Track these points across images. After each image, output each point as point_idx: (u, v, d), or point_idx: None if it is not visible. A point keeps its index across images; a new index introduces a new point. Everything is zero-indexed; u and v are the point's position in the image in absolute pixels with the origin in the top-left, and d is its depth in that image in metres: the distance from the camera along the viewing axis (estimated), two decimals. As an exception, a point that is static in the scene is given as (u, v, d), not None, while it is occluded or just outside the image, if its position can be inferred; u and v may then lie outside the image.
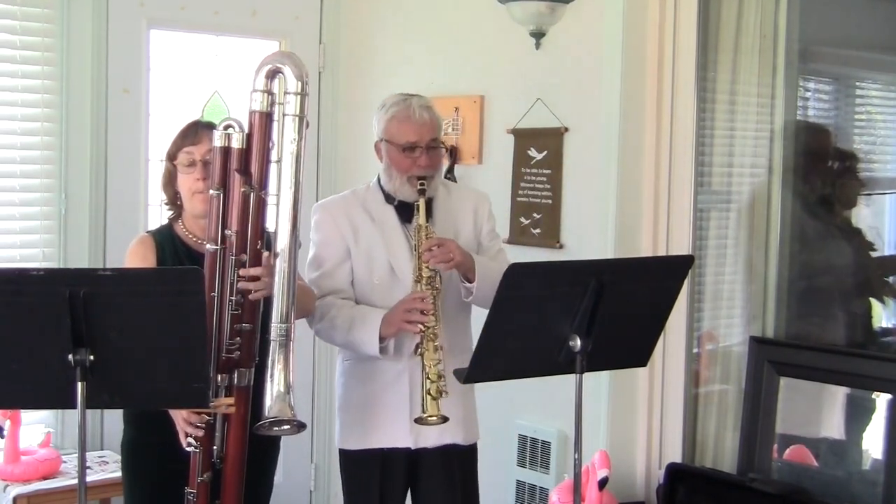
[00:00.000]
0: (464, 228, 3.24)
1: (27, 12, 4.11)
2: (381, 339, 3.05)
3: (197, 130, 2.98)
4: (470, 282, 3.07)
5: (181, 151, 2.97)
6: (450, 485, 3.24)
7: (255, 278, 2.77)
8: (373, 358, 3.10)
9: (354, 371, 3.23)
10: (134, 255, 3.00)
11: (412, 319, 2.98)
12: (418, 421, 2.98)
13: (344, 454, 3.27)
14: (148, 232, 3.12)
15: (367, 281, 3.18)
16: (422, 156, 3.11)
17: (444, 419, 2.96)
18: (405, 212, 3.16)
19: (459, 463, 3.25)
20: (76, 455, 2.58)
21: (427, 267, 3.01)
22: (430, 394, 2.95)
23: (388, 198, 3.20)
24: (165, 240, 3.02)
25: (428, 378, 2.95)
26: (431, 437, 3.15)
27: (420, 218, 3.07)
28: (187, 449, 2.81)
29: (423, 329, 2.97)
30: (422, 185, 3.09)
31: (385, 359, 3.10)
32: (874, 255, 3.76)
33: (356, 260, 3.18)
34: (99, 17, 4.22)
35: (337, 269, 3.18)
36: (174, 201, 3.05)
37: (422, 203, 3.08)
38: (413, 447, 3.17)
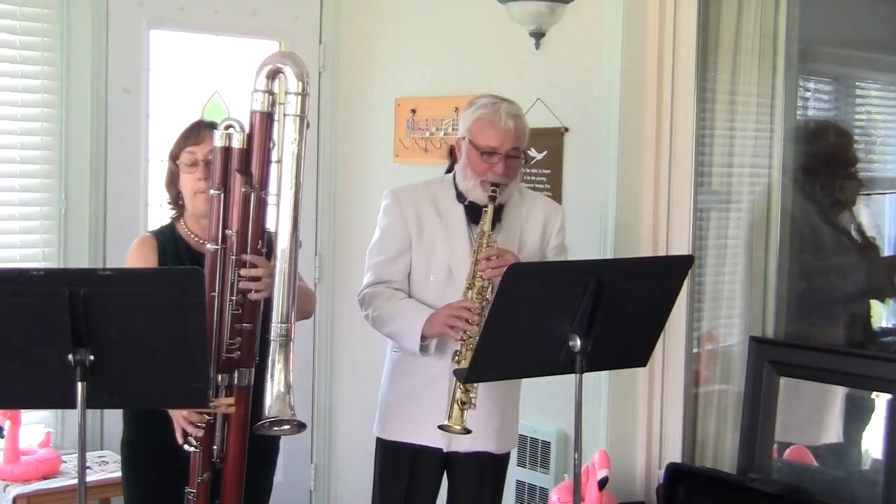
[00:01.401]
0: (530, 239, 3.22)
1: (27, 12, 4.10)
2: (423, 338, 3.06)
3: (199, 130, 2.99)
4: None
5: (183, 151, 2.98)
6: (480, 491, 3.25)
7: (256, 279, 2.78)
8: (417, 354, 3.11)
9: (401, 364, 3.23)
10: (135, 254, 3.00)
11: (455, 325, 2.98)
12: (442, 428, 2.99)
13: (380, 443, 3.29)
14: (150, 232, 3.13)
15: (424, 277, 3.18)
16: (499, 163, 3.08)
17: (467, 431, 2.97)
18: (474, 213, 3.14)
19: (492, 471, 3.27)
20: (76, 455, 2.58)
21: (481, 276, 3.01)
22: (457, 403, 2.95)
23: (460, 196, 3.18)
24: (167, 240, 3.02)
25: (458, 387, 2.95)
26: (464, 443, 3.15)
27: (486, 225, 3.04)
28: (187, 449, 2.81)
29: (465, 337, 2.97)
30: (494, 191, 3.06)
31: (425, 356, 3.11)
32: (874, 255, 3.76)
33: (416, 254, 3.18)
34: (99, 17, 4.22)
35: (396, 260, 3.19)
36: (176, 201, 3.05)
37: (490, 209, 3.05)
38: (445, 449, 3.18)
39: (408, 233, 3.18)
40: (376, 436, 3.30)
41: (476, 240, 3.07)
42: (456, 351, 3.01)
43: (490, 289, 3.01)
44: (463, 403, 2.95)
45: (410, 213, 3.19)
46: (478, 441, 3.15)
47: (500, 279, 2.60)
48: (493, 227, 3.05)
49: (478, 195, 3.12)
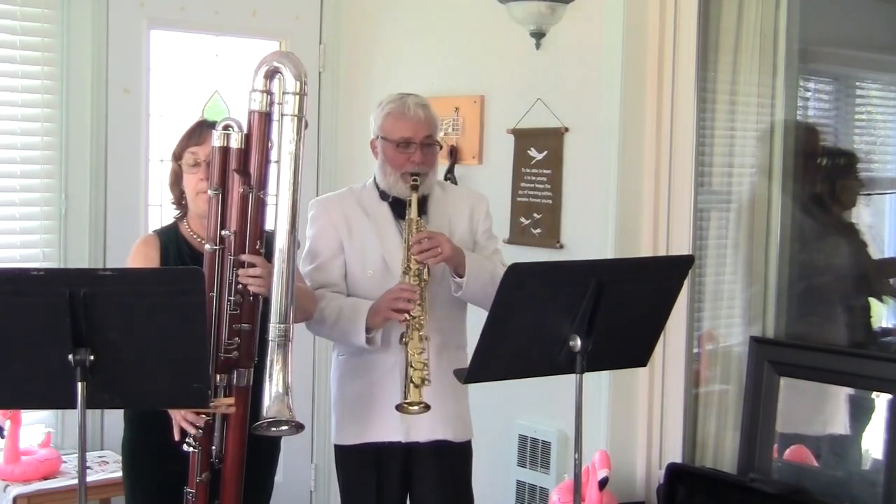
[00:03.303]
0: (458, 228, 3.26)
1: (27, 12, 4.10)
2: (368, 330, 3.07)
3: (201, 131, 2.98)
4: (460, 276, 3.09)
5: (186, 151, 2.98)
6: (442, 483, 3.25)
7: (255, 279, 2.77)
8: (365, 351, 3.12)
9: (348, 366, 3.24)
10: (137, 254, 3.00)
11: (398, 308, 3.00)
12: (399, 408, 2.99)
13: (339, 450, 3.29)
14: (153, 231, 3.13)
15: (361, 274, 3.20)
16: (416, 152, 3.14)
17: (426, 407, 2.98)
18: (399, 208, 3.17)
19: (451, 461, 3.26)
20: (76, 455, 2.58)
21: (416, 259, 3.03)
22: (412, 381, 2.96)
23: (383, 195, 3.22)
24: (170, 240, 3.02)
25: (411, 366, 2.97)
26: (423, 432, 3.16)
27: (412, 212, 3.08)
28: (186, 449, 2.81)
29: (409, 318, 2.99)
30: (415, 180, 3.11)
31: (373, 350, 3.12)
32: (875, 255, 3.76)
33: (350, 254, 3.20)
34: (99, 17, 4.22)
35: (330, 263, 3.21)
36: (180, 201, 3.05)
37: (414, 198, 3.09)
38: (404, 440, 3.18)
39: (337, 235, 3.21)
40: (335, 443, 3.29)
41: (405, 228, 3.09)
42: (402, 333, 3.02)
43: (426, 270, 3.05)
44: (418, 383, 2.96)
45: (338, 216, 3.22)
46: (436, 429, 3.17)
47: (502, 280, 2.59)
48: (419, 216, 3.09)
49: (400, 189, 3.16)
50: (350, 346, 3.17)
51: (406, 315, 2.99)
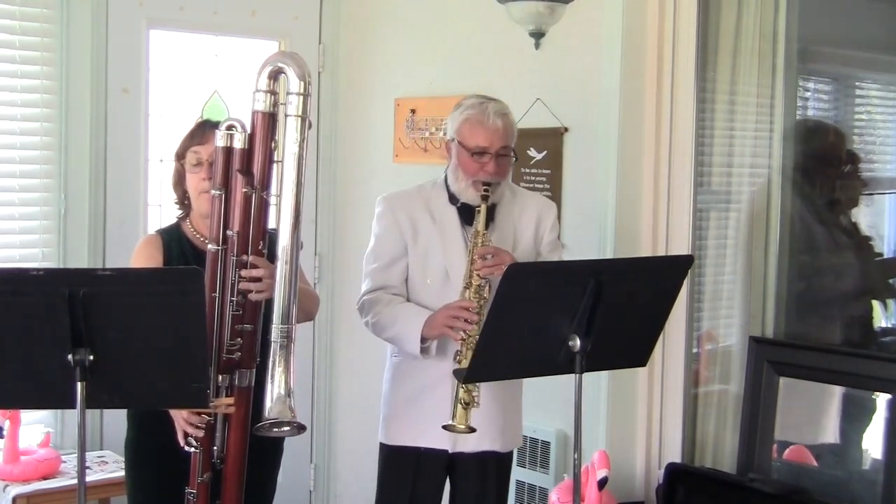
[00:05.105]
0: (524, 236, 3.23)
1: (27, 12, 4.10)
2: (423, 340, 3.06)
3: (204, 130, 2.99)
4: None
5: (188, 151, 2.99)
6: (483, 491, 3.26)
7: (257, 279, 2.77)
8: (418, 357, 3.12)
9: (401, 368, 3.24)
10: (140, 254, 3.01)
11: (455, 326, 2.99)
12: (446, 427, 2.99)
13: (383, 448, 3.29)
14: (156, 231, 3.13)
15: (421, 280, 3.18)
16: (490, 162, 3.09)
17: (471, 430, 2.97)
18: (467, 214, 3.14)
19: (495, 469, 3.27)
20: (76, 455, 2.59)
21: (478, 275, 3.01)
22: (460, 402, 2.95)
23: (452, 198, 3.19)
24: (173, 239, 3.03)
25: (461, 387, 2.95)
26: (470, 443, 3.15)
27: (479, 224, 3.05)
28: (186, 449, 2.81)
29: (465, 337, 2.97)
30: (486, 190, 3.07)
31: (426, 359, 3.11)
32: (875, 256, 3.77)
33: (412, 259, 3.19)
34: (98, 17, 4.22)
35: (392, 266, 3.20)
36: (183, 201, 3.06)
37: (483, 209, 3.06)
38: (451, 450, 3.19)
39: (402, 238, 3.19)
40: (380, 441, 3.30)
41: (471, 240, 3.07)
42: (457, 351, 3.01)
43: (488, 287, 3.02)
44: (466, 403, 2.96)
45: (404, 218, 3.19)
46: (483, 441, 3.16)
47: (500, 279, 2.59)
48: (486, 227, 3.06)
49: (470, 196, 3.13)
50: (404, 353, 3.16)
51: (462, 334, 2.98)
